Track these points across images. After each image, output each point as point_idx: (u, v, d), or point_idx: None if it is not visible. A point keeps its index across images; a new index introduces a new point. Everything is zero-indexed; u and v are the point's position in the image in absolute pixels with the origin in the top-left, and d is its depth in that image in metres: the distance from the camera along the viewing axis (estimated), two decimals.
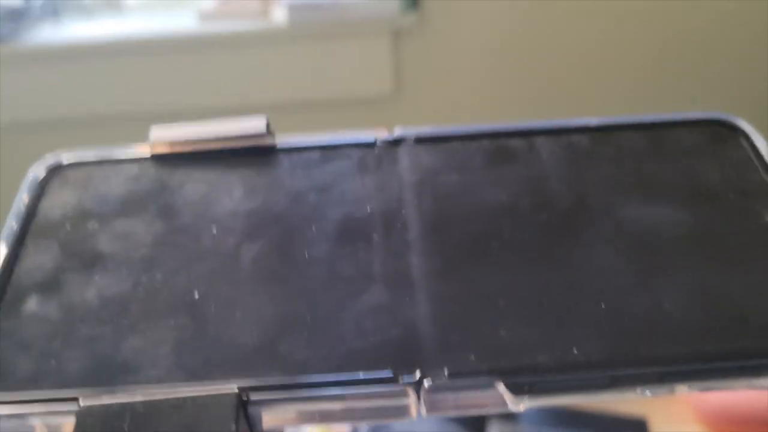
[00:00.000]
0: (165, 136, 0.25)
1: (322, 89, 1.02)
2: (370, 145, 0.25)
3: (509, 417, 0.66)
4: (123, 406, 0.18)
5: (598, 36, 0.99)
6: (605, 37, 0.99)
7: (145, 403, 0.18)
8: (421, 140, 0.25)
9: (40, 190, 0.24)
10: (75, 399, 0.19)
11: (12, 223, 0.23)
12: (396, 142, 0.25)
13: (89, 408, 0.18)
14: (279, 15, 0.98)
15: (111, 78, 0.97)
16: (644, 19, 0.99)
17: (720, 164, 0.24)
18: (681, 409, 0.70)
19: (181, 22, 0.99)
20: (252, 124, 0.25)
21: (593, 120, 0.26)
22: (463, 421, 0.66)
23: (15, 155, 0.99)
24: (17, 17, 0.99)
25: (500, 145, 0.25)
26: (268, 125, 0.25)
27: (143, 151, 0.25)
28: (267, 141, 0.25)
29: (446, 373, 0.19)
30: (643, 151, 0.25)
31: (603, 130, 0.26)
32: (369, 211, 0.23)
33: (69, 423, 0.19)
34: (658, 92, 1.03)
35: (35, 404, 0.19)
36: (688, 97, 1.02)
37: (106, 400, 0.19)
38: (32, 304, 0.21)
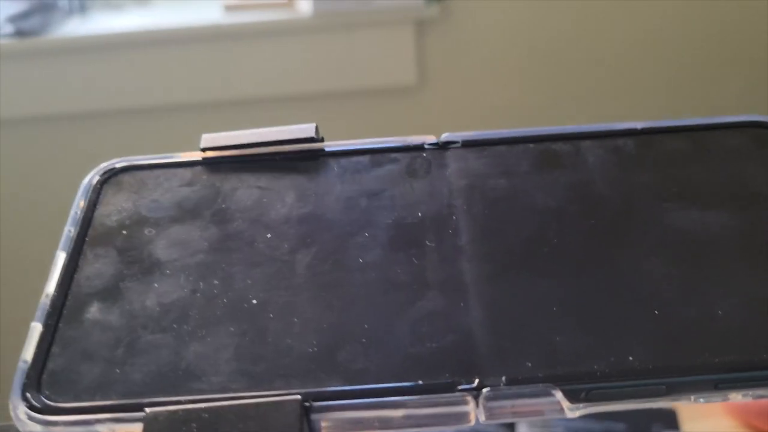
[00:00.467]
0: (216, 141, 0.26)
1: (346, 79, 1.02)
2: (419, 149, 0.26)
3: None
4: (188, 413, 0.19)
5: (626, 29, 0.99)
6: (634, 30, 0.99)
7: (210, 410, 0.19)
8: (468, 144, 0.26)
9: (96, 197, 0.25)
10: (141, 406, 0.19)
11: (69, 230, 0.24)
12: (444, 146, 0.26)
13: (156, 415, 0.19)
14: (303, 5, 0.98)
15: (137, 70, 0.98)
16: (675, 16, 0.98)
17: (764, 167, 0.24)
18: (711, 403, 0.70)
19: (206, 14, 1.00)
20: (301, 129, 0.26)
21: (638, 124, 0.26)
22: None
23: (48, 148, 1.00)
24: (46, 11, 1.00)
25: (546, 149, 0.25)
26: (317, 130, 0.26)
27: (195, 155, 0.26)
28: (316, 146, 0.26)
29: (504, 380, 0.19)
30: (688, 154, 0.25)
31: (647, 134, 0.26)
32: (420, 216, 0.24)
33: (136, 429, 0.19)
34: (688, 88, 1.02)
35: (102, 412, 0.19)
36: (723, 96, 1.02)
37: (172, 407, 0.19)
38: (94, 312, 0.22)
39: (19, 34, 0.98)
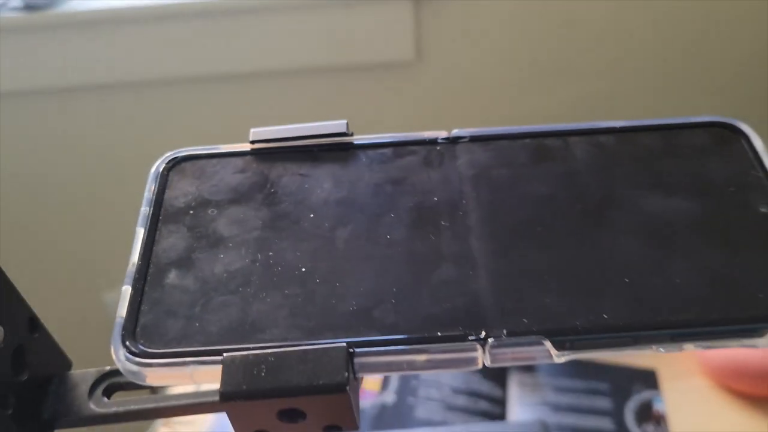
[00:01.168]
0: (263, 135, 0.31)
1: (344, 54, 1.04)
2: (433, 143, 0.31)
3: (528, 367, 0.72)
4: (258, 357, 0.24)
5: (619, 17, 1.02)
6: (628, 20, 1.02)
7: (274, 355, 0.24)
8: (475, 139, 0.31)
9: (164, 182, 0.30)
10: (220, 352, 0.25)
11: (145, 210, 0.29)
12: (454, 140, 0.31)
13: (232, 358, 0.24)
14: None
15: (135, 44, 1.00)
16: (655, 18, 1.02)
17: (723, 162, 0.30)
18: (688, 364, 0.76)
19: None
20: (335, 125, 0.31)
21: (618, 123, 0.31)
22: (486, 372, 0.72)
23: (58, 121, 1.04)
24: None
25: (540, 144, 0.31)
26: (347, 126, 0.31)
27: (244, 146, 0.31)
28: (347, 139, 0.31)
29: (505, 333, 0.25)
30: (659, 149, 0.30)
31: (626, 131, 0.31)
32: (435, 200, 0.29)
33: (216, 370, 0.24)
34: (666, 91, 1.06)
35: (188, 356, 0.25)
36: (695, 98, 1.06)
37: (244, 352, 0.24)
38: (172, 278, 0.27)
39: (28, 8, 1.01)
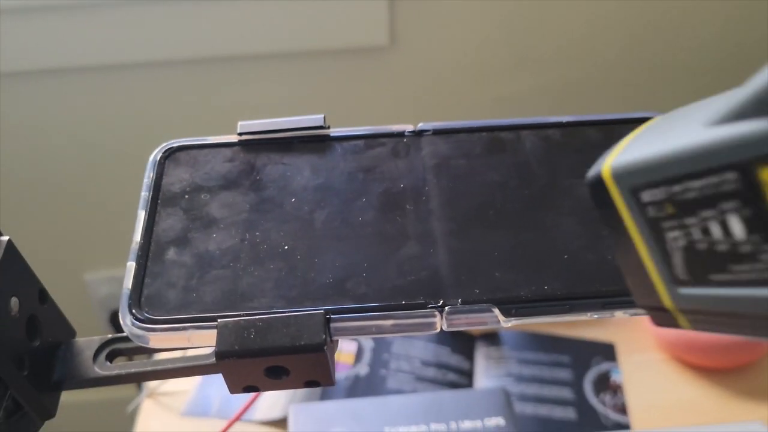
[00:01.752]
0: (250, 127, 0.35)
1: (317, 40, 1.06)
2: (401, 135, 0.35)
3: (494, 341, 0.77)
4: (248, 322, 0.28)
5: (592, 7, 1.05)
6: (601, 10, 1.05)
7: (262, 320, 0.28)
8: (437, 132, 0.35)
9: (161, 169, 0.34)
10: (215, 318, 0.29)
11: (145, 194, 0.33)
12: (419, 133, 0.35)
13: (225, 323, 0.28)
14: None
15: (112, 28, 1.00)
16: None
17: None
18: (644, 338, 0.81)
19: None
20: (313, 119, 0.35)
21: (564, 118, 0.35)
22: (454, 346, 0.77)
23: (43, 101, 1.06)
24: None
25: (495, 137, 0.35)
26: (324, 119, 0.35)
27: (232, 138, 0.35)
28: (324, 132, 0.35)
29: (459, 301, 0.29)
30: (600, 142, 0.35)
31: (571, 126, 0.35)
32: (402, 187, 0.33)
33: (211, 333, 0.28)
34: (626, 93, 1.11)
35: (187, 322, 0.29)
36: (659, 88, 1.11)
37: (236, 318, 0.29)
38: (171, 254, 0.31)
39: None
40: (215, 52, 1.04)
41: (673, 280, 0.23)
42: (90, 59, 1.02)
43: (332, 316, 0.29)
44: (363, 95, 1.09)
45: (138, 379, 0.35)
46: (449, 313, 0.29)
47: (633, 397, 0.73)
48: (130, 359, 0.37)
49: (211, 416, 0.70)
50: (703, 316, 0.22)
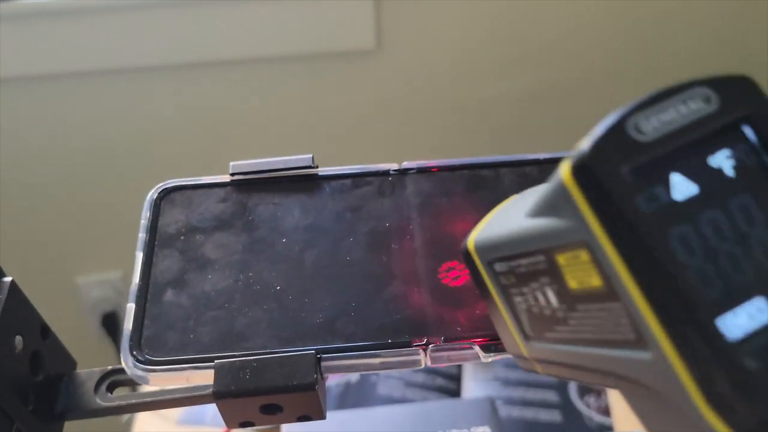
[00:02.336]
0: (241, 167, 0.36)
1: (302, 43, 1.06)
2: (386, 174, 0.37)
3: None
4: (244, 363, 0.30)
5: (579, 7, 1.06)
6: (587, 10, 1.06)
7: (257, 361, 0.30)
8: (421, 170, 0.37)
9: (157, 210, 0.35)
10: (212, 359, 0.31)
11: (143, 236, 0.35)
12: (403, 172, 0.37)
13: (222, 364, 0.30)
14: None
15: (100, 34, 1.00)
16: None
17: None
18: None
19: None
20: (302, 159, 0.36)
21: (541, 155, 0.37)
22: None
23: (34, 105, 1.06)
24: None
25: (475, 174, 0.37)
26: (313, 159, 0.37)
27: (224, 178, 0.37)
28: (313, 171, 0.37)
29: (442, 339, 0.31)
30: None
31: (548, 163, 0.37)
32: (387, 226, 0.35)
33: (209, 374, 0.30)
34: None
35: (185, 363, 0.31)
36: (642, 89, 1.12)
37: (232, 359, 0.30)
38: (169, 296, 0.33)
39: None
40: (201, 58, 1.04)
41: (525, 335, 0.27)
42: (82, 64, 1.03)
43: (323, 355, 0.31)
44: (350, 100, 1.10)
45: (139, 409, 0.37)
46: (432, 350, 0.31)
47: (616, 399, 0.75)
48: (133, 389, 0.39)
49: (206, 425, 0.72)
50: (551, 365, 0.27)
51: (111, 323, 1.22)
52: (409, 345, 0.31)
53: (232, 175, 0.37)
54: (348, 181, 0.37)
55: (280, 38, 1.05)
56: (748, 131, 0.22)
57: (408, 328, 0.32)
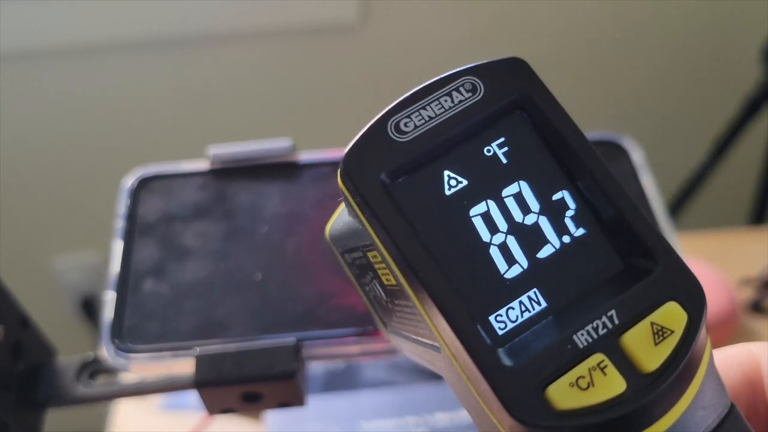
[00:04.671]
0: (220, 154, 0.37)
1: (281, 19, 1.05)
2: None
3: None
4: (224, 351, 0.31)
5: None
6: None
7: (239, 350, 0.31)
8: None
9: (136, 199, 0.36)
10: (192, 347, 0.31)
11: (121, 224, 0.35)
12: None
13: (203, 352, 0.31)
14: None
15: (66, 11, 1.00)
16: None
17: None
18: None
19: None
20: (282, 145, 0.37)
21: None
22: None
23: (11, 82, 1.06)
24: None
25: None
26: (293, 144, 0.37)
27: (204, 166, 0.37)
28: (293, 157, 0.37)
29: None
30: None
31: None
32: None
33: (190, 362, 0.31)
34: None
35: (167, 351, 0.32)
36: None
37: (213, 347, 0.31)
38: (149, 284, 0.34)
39: None
40: (175, 35, 1.02)
41: (383, 322, 0.28)
42: (56, 42, 1.02)
43: (303, 343, 0.32)
44: (331, 79, 1.09)
45: (120, 395, 0.38)
46: None
47: None
48: (114, 377, 0.40)
49: (190, 408, 0.73)
50: (405, 352, 0.28)
51: (90, 307, 1.23)
52: None
53: (211, 162, 0.37)
54: (328, 169, 0.37)
55: (256, 13, 1.03)
56: (523, 115, 0.22)
57: None
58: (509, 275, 0.21)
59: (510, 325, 0.20)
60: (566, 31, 1.10)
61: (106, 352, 0.32)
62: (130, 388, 0.37)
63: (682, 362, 0.19)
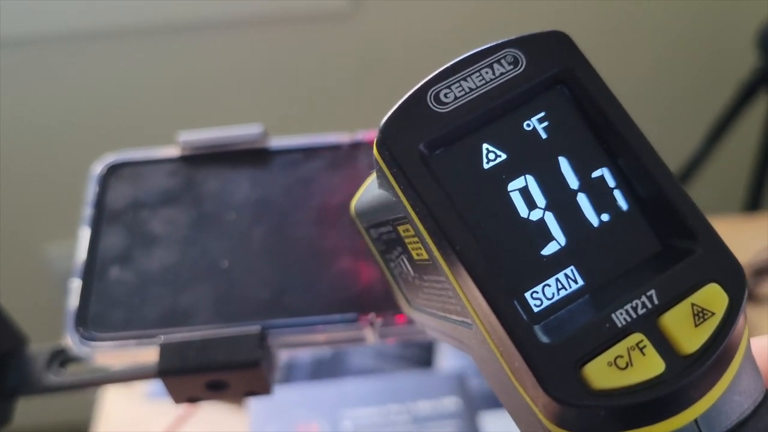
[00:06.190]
0: (190, 140, 0.37)
1: (269, 5, 1.04)
2: (338, 148, 0.37)
3: None
4: (188, 340, 0.31)
5: None
6: None
7: (202, 338, 0.31)
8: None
9: (105, 185, 0.36)
10: (157, 335, 0.31)
11: (89, 211, 0.35)
12: (356, 145, 0.37)
13: (167, 341, 0.31)
14: None
15: None
16: None
17: None
18: None
19: None
20: (253, 132, 0.37)
21: None
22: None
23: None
24: None
25: None
26: (264, 130, 0.37)
27: (173, 152, 0.37)
28: (264, 143, 0.37)
29: (390, 315, 0.32)
30: None
31: None
32: (337, 200, 0.35)
33: (154, 351, 0.31)
34: None
35: (132, 339, 0.31)
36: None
37: (177, 335, 0.31)
38: (115, 272, 0.33)
39: None
40: (167, 21, 1.02)
41: (407, 300, 0.28)
42: (36, 29, 1.02)
43: (268, 331, 0.31)
44: (322, 67, 1.08)
45: (91, 384, 0.37)
46: (381, 326, 0.32)
47: None
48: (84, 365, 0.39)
49: None
50: (429, 329, 0.28)
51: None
52: (355, 320, 0.32)
53: (182, 148, 0.37)
54: (298, 155, 0.37)
55: (246, 1, 1.02)
56: (564, 89, 0.22)
57: (356, 304, 0.32)
58: (546, 252, 0.20)
59: (546, 303, 0.20)
60: (559, 19, 1.10)
61: (70, 340, 0.32)
62: (100, 376, 0.37)
63: (722, 345, 0.19)
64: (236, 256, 0.34)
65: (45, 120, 1.10)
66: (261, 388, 0.32)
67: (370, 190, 0.26)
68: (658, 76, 1.17)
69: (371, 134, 0.37)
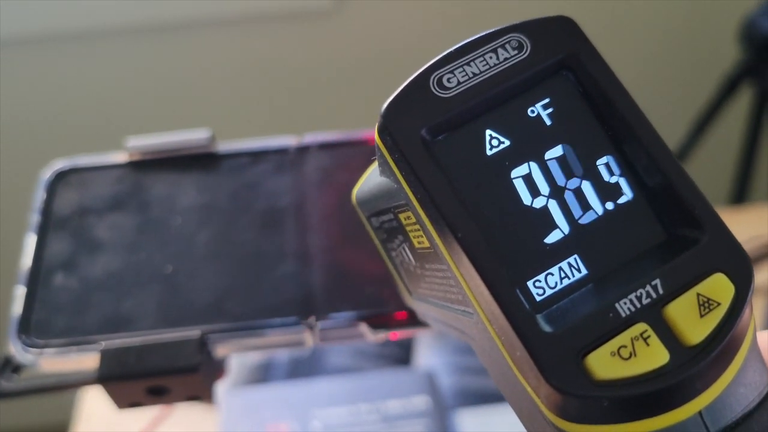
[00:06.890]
0: (138, 146, 0.37)
1: (257, 2, 1.03)
2: (285, 151, 0.37)
3: None
4: (129, 346, 0.31)
5: None
6: None
7: (143, 344, 0.31)
8: (323, 146, 0.37)
9: (52, 192, 0.36)
10: (98, 340, 0.32)
11: (36, 217, 0.35)
12: (304, 149, 0.37)
13: (108, 347, 0.31)
14: None
15: None
16: None
17: None
18: None
19: None
20: (201, 137, 0.37)
21: None
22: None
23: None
24: None
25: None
26: (212, 135, 0.37)
27: (122, 158, 0.37)
28: (211, 148, 0.37)
29: (329, 318, 0.32)
30: None
31: None
32: (282, 204, 0.36)
33: (95, 357, 0.31)
34: None
35: (71, 345, 0.32)
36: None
37: (118, 340, 0.31)
38: (59, 279, 0.34)
39: None
40: (145, 19, 1.01)
41: (408, 290, 0.28)
42: (26, 30, 1.02)
43: (209, 336, 0.32)
44: (303, 66, 1.07)
45: (45, 391, 0.38)
46: (321, 329, 0.32)
47: None
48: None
49: None
50: (429, 320, 0.28)
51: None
52: (296, 324, 0.32)
53: (129, 154, 0.37)
54: (246, 159, 0.37)
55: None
56: (569, 75, 0.21)
57: (297, 307, 0.33)
58: (549, 240, 0.20)
59: (548, 292, 0.20)
60: (544, 12, 1.09)
61: (13, 348, 0.32)
62: (52, 382, 0.37)
63: (728, 336, 0.18)
64: (180, 261, 0.34)
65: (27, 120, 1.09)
66: (202, 393, 0.32)
67: (371, 178, 0.26)
68: (641, 69, 1.16)
69: (319, 137, 0.38)
